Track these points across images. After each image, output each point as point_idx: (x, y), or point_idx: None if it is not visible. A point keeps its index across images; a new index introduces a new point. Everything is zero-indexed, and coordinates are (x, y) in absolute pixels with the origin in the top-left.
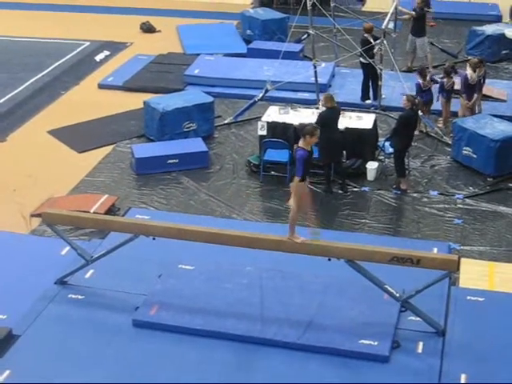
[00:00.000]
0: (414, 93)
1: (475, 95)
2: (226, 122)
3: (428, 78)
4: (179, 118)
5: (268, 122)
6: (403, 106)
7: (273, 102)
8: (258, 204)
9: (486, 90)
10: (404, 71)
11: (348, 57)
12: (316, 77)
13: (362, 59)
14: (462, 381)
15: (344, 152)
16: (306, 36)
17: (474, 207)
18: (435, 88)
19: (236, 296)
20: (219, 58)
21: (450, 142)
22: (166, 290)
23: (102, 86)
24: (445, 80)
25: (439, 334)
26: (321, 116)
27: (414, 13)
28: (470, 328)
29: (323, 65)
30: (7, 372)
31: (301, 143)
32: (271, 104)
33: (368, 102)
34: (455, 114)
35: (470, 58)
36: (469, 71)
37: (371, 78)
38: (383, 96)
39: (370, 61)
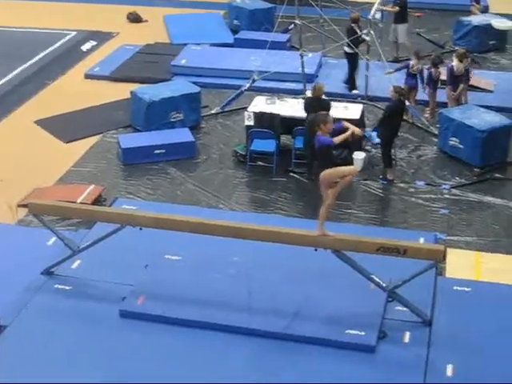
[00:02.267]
0: (400, 83)
1: (461, 85)
2: (212, 112)
3: (420, 65)
4: (166, 108)
5: (255, 112)
6: (390, 96)
7: (259, 92)
8: (244, 194)
9: (473, 81)
10: (390, 61)
11: (335, 47)
12: (303, 67)
13: (346, 48)
14: (449, 370)
15: None
16: (292, 26)
17: (461, 197)
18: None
19: (222, 286)
20: (206, 48)
21: (436, 133)
22: (153, 281)
23: (88, 76)
24: (432, 70)
25: (426, 323)
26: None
27: (397, 8)
28: (456, 318)
29: (310, 55)
30: None
31: (319, 134)
32: (258, 94)
33: (355, 92)
34: (441, 105)
35: (456, 48)
36: (455, 62)
37: (352, 66)
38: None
39: (357, 50)
